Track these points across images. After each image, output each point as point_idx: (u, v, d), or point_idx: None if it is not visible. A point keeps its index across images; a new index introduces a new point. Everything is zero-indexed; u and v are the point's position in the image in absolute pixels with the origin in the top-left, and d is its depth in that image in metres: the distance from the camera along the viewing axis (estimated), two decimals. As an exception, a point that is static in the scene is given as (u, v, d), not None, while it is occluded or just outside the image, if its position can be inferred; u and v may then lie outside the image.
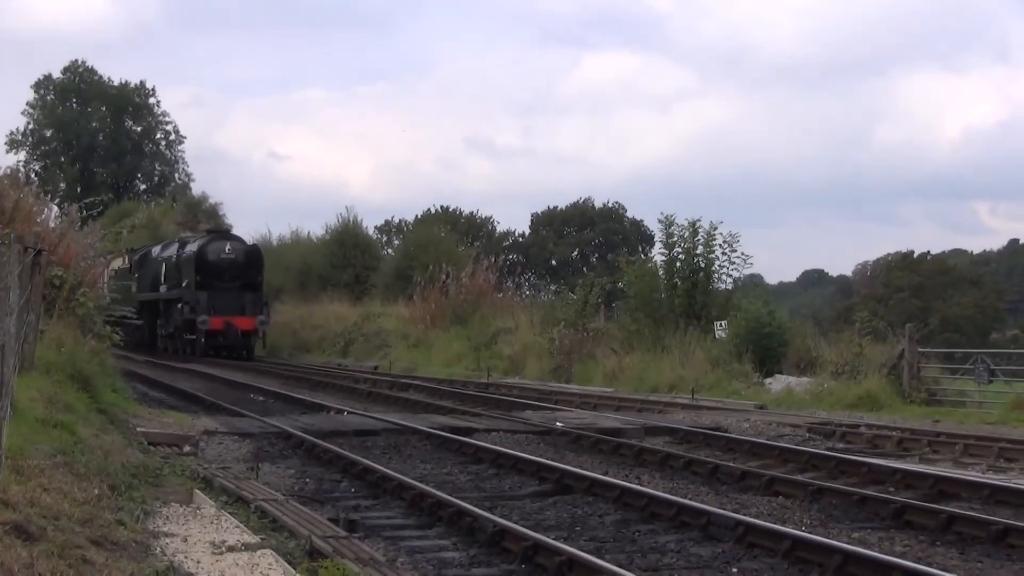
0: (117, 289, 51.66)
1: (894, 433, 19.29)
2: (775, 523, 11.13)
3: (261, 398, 26.67)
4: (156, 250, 52.48)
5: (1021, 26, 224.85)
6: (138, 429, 16.41)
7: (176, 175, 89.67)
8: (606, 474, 14.43)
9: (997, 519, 11.17)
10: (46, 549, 7.21)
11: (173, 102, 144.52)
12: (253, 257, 47.27)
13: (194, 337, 44.79)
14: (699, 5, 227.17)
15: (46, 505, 8.44)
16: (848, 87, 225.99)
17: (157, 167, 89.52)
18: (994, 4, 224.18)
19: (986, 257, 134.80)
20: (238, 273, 46.00)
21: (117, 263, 53.13)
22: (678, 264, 33.26)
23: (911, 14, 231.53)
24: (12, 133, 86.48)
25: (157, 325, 50.05)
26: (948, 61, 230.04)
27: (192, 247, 47.00)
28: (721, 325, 30.93)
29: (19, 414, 11.45)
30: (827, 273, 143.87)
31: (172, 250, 49.57)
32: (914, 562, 9.33)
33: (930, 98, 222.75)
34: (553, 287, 78.86)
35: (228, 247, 46.47)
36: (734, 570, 9.56)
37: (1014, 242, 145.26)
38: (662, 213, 34.27)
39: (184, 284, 45.81)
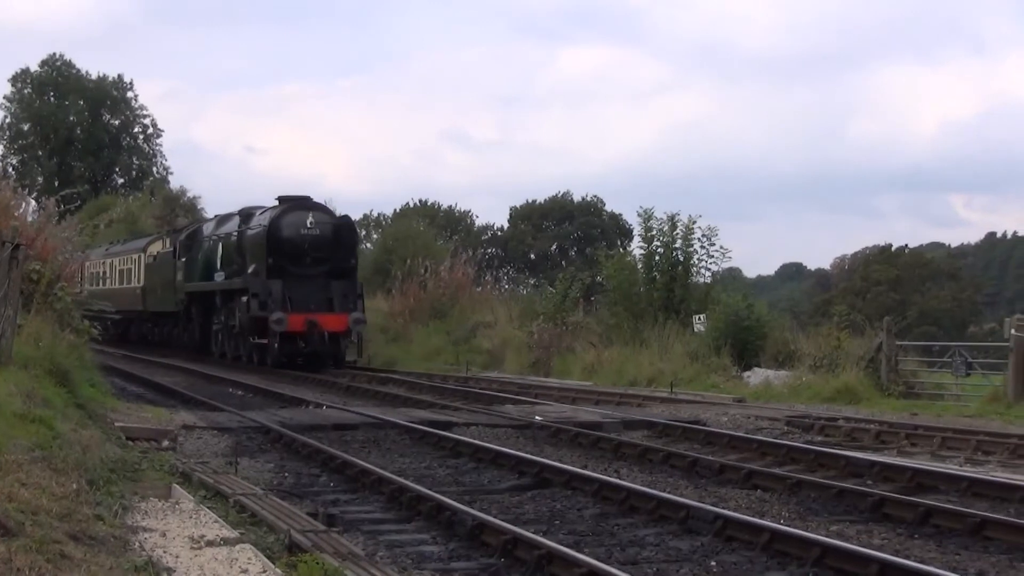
0: (156, 279, 44.38)
1: (872, 426, 19.34)
2: (754, 516, 11.17)
3: (240, 392, 26.60)
4: (209, 227, 40.97)
5: (996, 20, 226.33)
6: (116, 424, 16.38)
7: (154, 169, 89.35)
8: (585, 468, 14.45)
9: (974, 512, 11.24)
10: (24, 544, 7.20)
11: (149, 95, 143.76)
12: (343, 233, 35.46)
13: (264, 341, 33.53)
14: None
15: (24, 500, 8.42)
16: (824, 80, 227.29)
17: (135, 161, 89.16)
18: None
19: (963, 250, 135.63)
20: (324, 254, 34.54)
21: (156, 247, 46.06)
22: (657, 258, 33.27)
23: (887, 7, 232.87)
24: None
25: (212, 324, 38.61)
26: (924, 54, 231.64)
27: (261, 220, 35.56)
28: (700, 319, 30.95)
29: (-4, 409, 11.42)
30: (805, 266, 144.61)
31: (232, 226, 38.15)
32: (892, 555, 9.37)
33: (906, 91, 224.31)
34: (532, 281, 78.87)
35: (310, 220, 34.62)
36: (713, 563, 9.58)
37: (991, 235, 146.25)
38: (641, 207, 34.27)
39: (250, 270, 34.56)
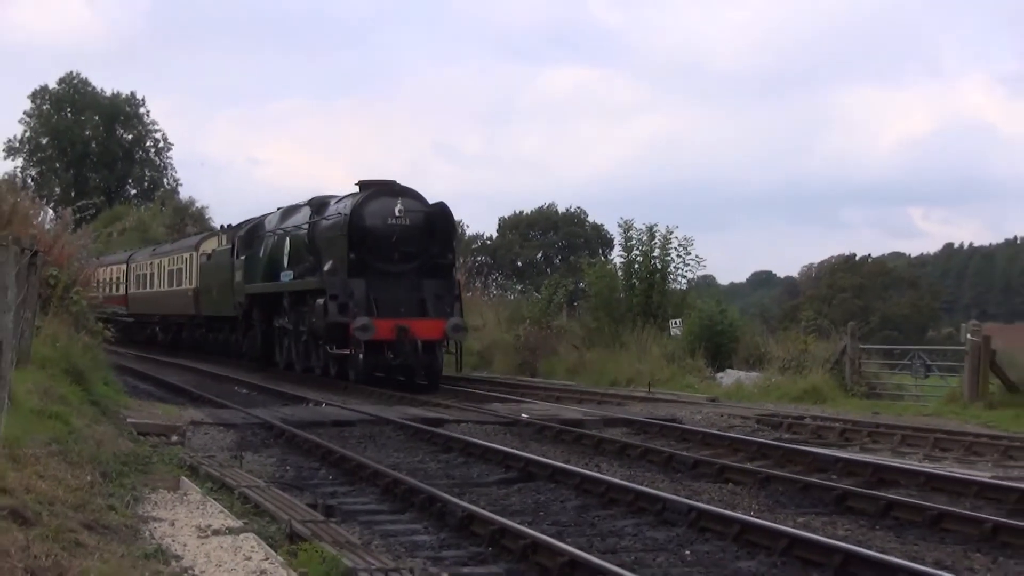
0: (212, 280, 37.52)
1: (837, 424, 19.34)
2: (726, 508, 11.19)
3: (245, 390, 26.52)
4: (272, 220, 33.53)
5: (950, 45, 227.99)
6: (128, 420, 16.34)
7: (164, 180, 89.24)
8: (568, 462, 14.44)
9: (932, 505, 11.24)
10: (41, 533, 7.20)
11: (159, 111, 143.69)
12: (438, 222, 27.95)
13: (346, 351, 26.70)
14: (649, 20, 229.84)
15: (41, 491, 8.42)
16: (792, 99, 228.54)
17: (147, 173, 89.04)
18: (926, 23, 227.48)
19: (923, 260, 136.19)
20: (415, 248, 27.35)
21: (210, 245, 39.43)
22: (636, 266, 33.35)
23: (849, 33, 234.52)
24: (10, 140, 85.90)
25: (277, 331, 31.90)
26: (884, 76, 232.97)
27: (339, 208, 28.44)
28: (676, 323, 31.00)
29: (16, 406, 11.39)
30: (775, 274, 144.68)
31: (301, 217, 31.08)
32: (855, 545, 9.39)
33: (868, 110, 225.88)
34: (519, 287, 78.76)
35: (398, 207, 27.17)
36: (687, 552, 9.60)
37: (949, 246, 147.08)
38: (621, 218, 34.45)
39: (326, 268, 27.44)
